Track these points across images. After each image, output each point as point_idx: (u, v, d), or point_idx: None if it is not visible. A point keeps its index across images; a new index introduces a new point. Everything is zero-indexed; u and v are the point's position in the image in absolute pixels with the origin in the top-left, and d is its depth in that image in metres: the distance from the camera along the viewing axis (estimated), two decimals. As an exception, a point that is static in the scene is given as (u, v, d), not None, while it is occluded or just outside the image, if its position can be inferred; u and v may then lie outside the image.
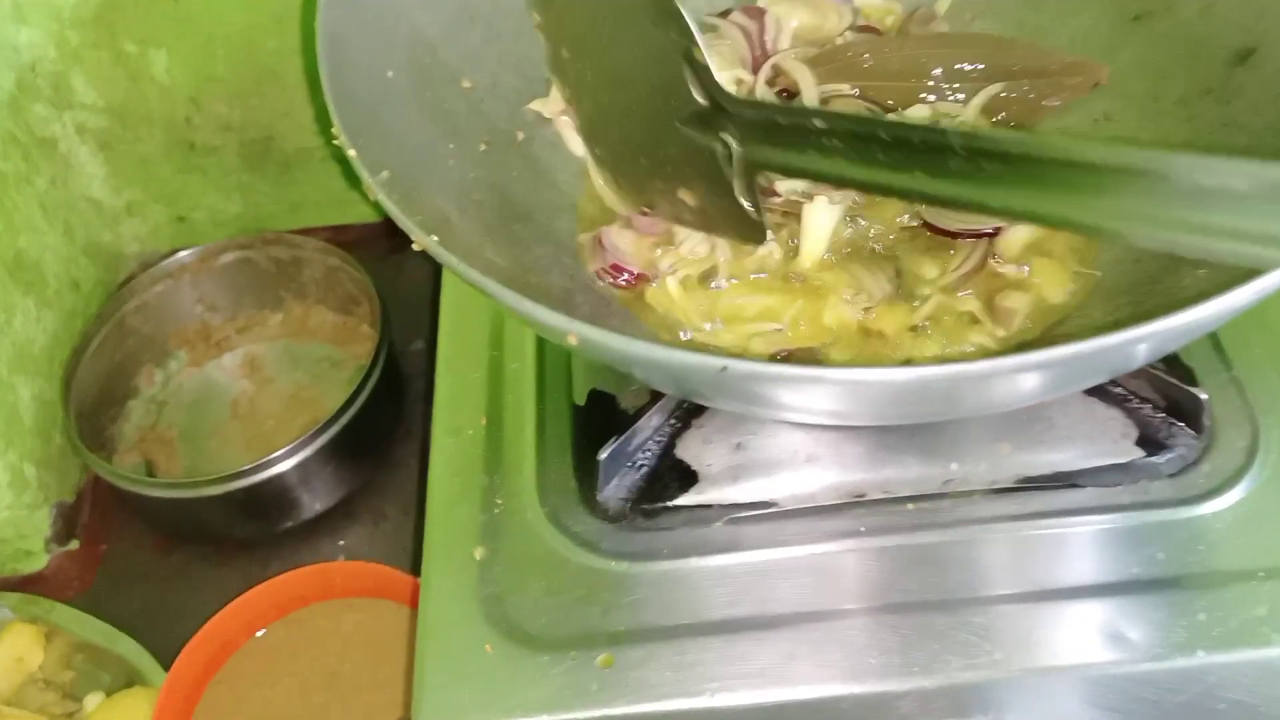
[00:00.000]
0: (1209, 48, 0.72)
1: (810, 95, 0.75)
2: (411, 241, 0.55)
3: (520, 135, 0.76)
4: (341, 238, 1.17)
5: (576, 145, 0.76)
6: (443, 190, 0.66)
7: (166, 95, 1.07)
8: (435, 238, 0.54)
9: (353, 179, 0.76)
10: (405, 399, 1.08)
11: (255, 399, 1.09)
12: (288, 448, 0.95)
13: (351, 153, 0.57)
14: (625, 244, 0.73)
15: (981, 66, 0.77)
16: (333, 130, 0.58)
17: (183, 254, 1.09)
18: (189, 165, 1.13)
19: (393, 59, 0.68)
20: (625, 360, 0.52)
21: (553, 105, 0.77)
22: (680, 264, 0.71)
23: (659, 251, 0.72)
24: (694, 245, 0.72)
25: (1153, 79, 0.74)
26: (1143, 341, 0.48)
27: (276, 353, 1.12)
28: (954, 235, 0.69)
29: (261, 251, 1.10)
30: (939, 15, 0.82)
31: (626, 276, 0.71)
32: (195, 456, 1.06)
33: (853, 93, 0.78)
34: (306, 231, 1.17)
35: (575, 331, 0.50)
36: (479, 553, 0.67)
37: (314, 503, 1.00)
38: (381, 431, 1.05)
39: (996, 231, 0.68)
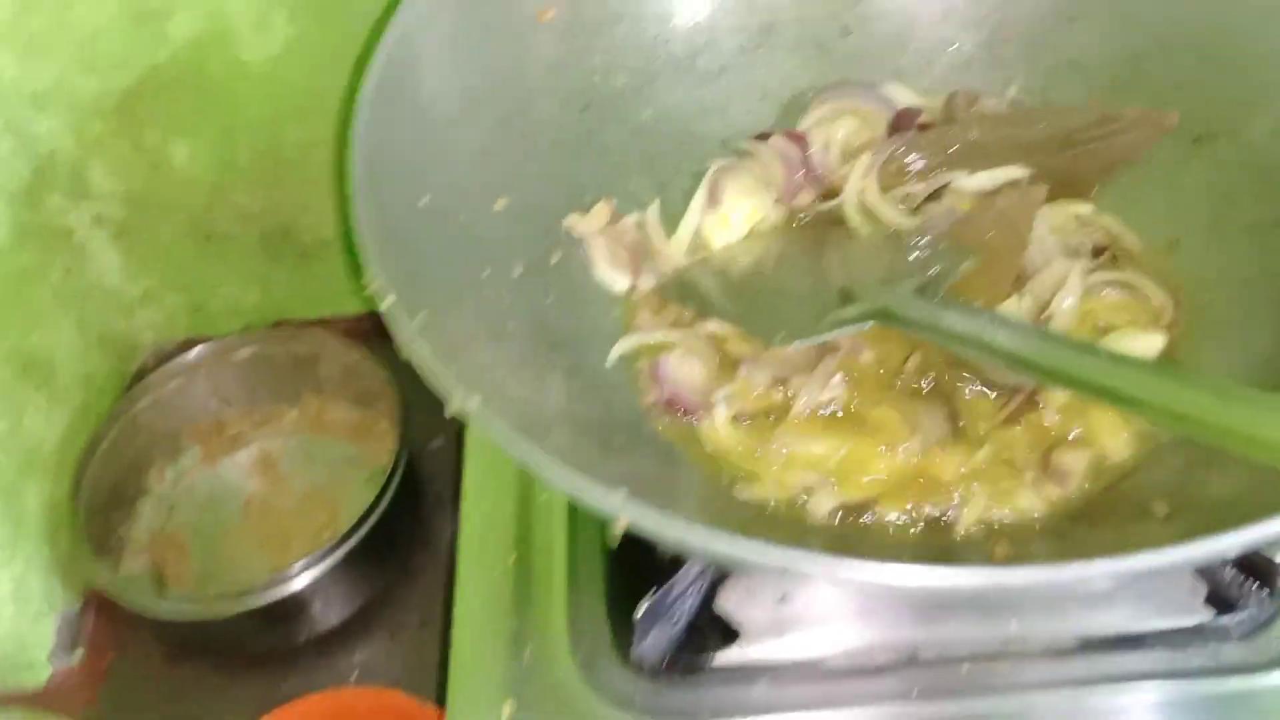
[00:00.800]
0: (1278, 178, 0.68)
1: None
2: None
3: (556, 256, 0.72)
4: (360, 327, 1.14)
5: (604, 271, 0.73)
6: (479, 325, 0.63)
7: (187, 184, 1.04)
8: (478, 398, 0.50)
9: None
10: (424, 503, 1.04)
11: (269, 498, 1.05)
12: (304, 561, 0.91)
13: (391, 298, 0.54)
14: (685, 374, 0.69)
15: (1041, 128, 0.74)
16: (364, 280, 0.55)
17: (198, 349, 1.06)
18: (207, 253, 1.10)
19: (427, 184, 0.64)
20: (677, 544, 0.48)
21: (589, 223, 0.74)
22: (736, 396, 0.68)
23: (716, 384, 0.69)
24: (754, 376, 0.68)
25: (1220, 206, 0.71)
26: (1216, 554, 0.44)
27: (292, 449, 1.09)
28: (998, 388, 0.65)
29: (279, 346, 1.07)
30: (981, 94, 0.79)
31: (683, 410, 0.68)
32: (207, 560, 1.02)
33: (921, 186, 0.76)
34: (325, 321, 1.14)
35: (625, 514, 0.47)
36: (507, 709, 0.63)
37: (330, 615, 0.96)
38: (400, 539, 1.01)
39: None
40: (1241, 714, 0.61)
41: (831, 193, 0.77)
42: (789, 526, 0.62)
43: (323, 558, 0.92)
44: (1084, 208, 0.72)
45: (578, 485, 0.47)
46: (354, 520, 0.93)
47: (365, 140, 0.60)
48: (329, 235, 1.10)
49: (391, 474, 0.95)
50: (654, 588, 0.64)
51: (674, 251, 0.76)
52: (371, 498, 0.93)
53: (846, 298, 0.66)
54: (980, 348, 0.58)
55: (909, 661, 0.64)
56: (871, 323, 0.63)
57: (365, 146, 0.60)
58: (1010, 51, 0.79)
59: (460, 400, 0.50)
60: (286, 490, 1.06)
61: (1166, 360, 0.59)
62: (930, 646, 0.64)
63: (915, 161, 0.75)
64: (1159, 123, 0.72)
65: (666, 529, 0.46)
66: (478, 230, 0.68)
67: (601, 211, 0.75)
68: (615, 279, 0.74)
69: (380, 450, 1.04)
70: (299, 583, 0.92)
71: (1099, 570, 0.44)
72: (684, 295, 0.72)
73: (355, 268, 1.10)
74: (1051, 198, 0.74)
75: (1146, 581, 0.64)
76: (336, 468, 1.08)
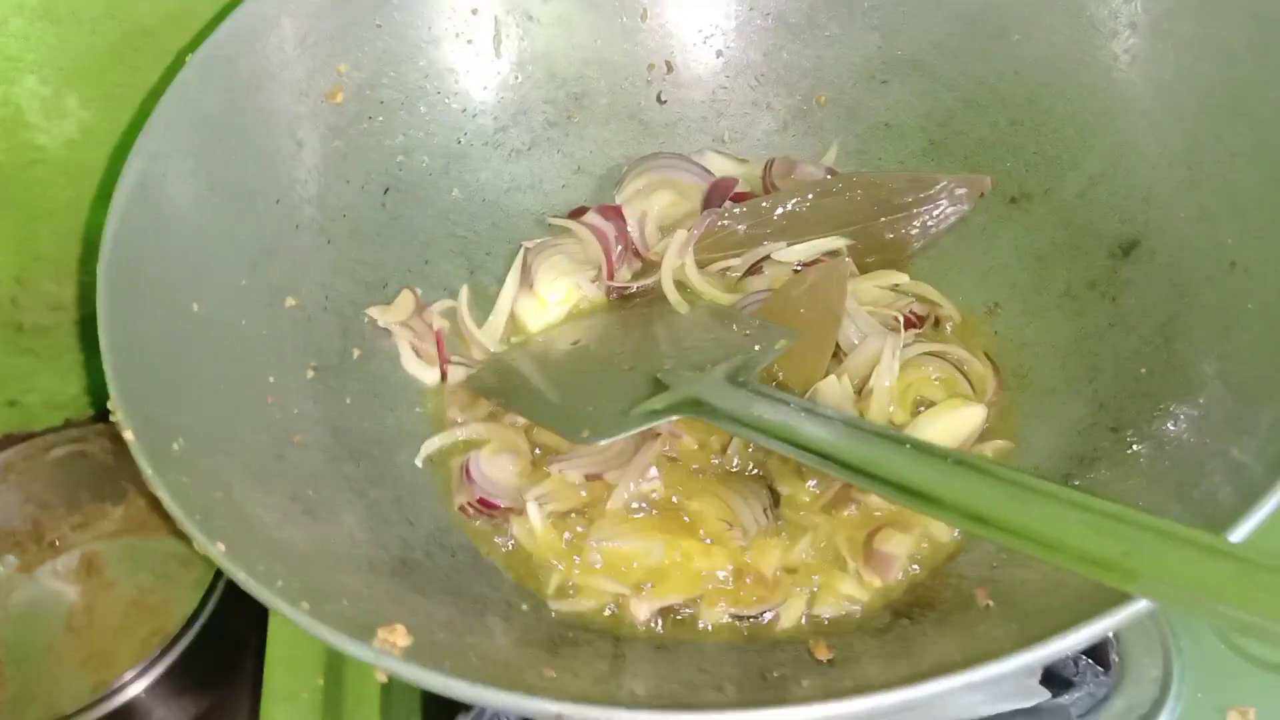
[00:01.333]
0: (1092, 237, 0.68)
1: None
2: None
3: (357, 352, 0.68)
4: (193, 415, 1.08)
5: (411, 364, 0.69)
6: (255, 441, 0.58)
7: (-13, 276, 0.98)
8: (222, 546, 0.46)
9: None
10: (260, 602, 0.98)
11: (93, 608, 0.98)
12: (127, 674, 0.85)
13: (129, 435, 0.49)
14: (496, 472, 0.66)
15: (859, 195, 0.72)
16: (109, 405, 0.50)
17: (7, 452, 0.98)
18: (18, 347, 1.03)
19: (198, 290, 0.60)
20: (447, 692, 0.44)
21: (392, 313, 0.70)
22: (550, 496, 0.64)
23: (529, 482, 0.65)
24: (568, 473, 0.65)
25: (1035, 269, 0.70)
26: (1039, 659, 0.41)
27: (117, 552, 1.02)
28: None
29: (97, 443, 1.00)
30: (798, 162, 0.77)
31: (497, 511, 0.64)
32: (24, 679, 0.95)
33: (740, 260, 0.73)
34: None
35: (386, 668, 0.42)
36: None
37: (158, 731, 0.90)
38: (233, 640, 0.95)
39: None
40: (1085, 799, 0.59)
41: (651, 267, 0.74)
42: (607, 640, 0.59)
43: (148, 668, 0.86)
44: (900, 277, 0.71)
45: (323, 634, 0.42)
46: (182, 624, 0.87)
47: (118, 255, 0.56)
48: (149, 321, 1.04)
49: (219, 573, 0.89)
50: (464, 710, 0.60)
51: (487, 338, 0.72)
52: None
53: (658, 385, 0.63)
54: (791, 443, 0.55)
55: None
56: (677, 416, 0.60)
57: (118, 261, 0.56)
58: (825, 116, 0.77)
59: (203, 546, 0.45)
60: (111, 597, 0.99)
61: (973, 454, 0.57)
62: (761, 752, 0.60)
63: (734, 234, 0.73)
64: (975, 186, 0.71)
65: (438, 686, 0.42)
66: (263, 332, 0.63)
67: (406, 300, 0.71)
68: (424, 372, 0.70)
69: (213, 547, 0.98)
70: (123, 697, 0.85)
71: (932, 690, 0.41)
72: (491, 389, 0.68)
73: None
74: (870, 267, 0.72)
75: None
76: (167, 568, 1.01)
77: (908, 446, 0.51)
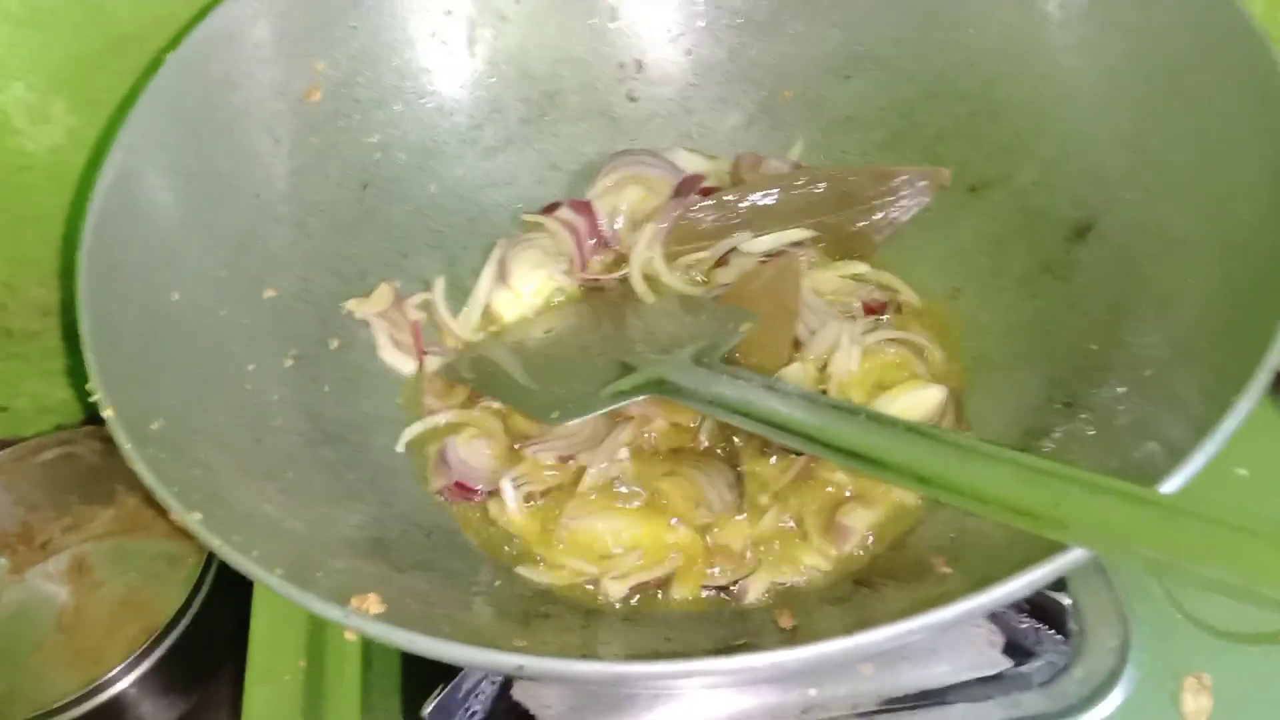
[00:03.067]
0: (1047, 221, 0.69)
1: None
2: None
3: (335, 342, 0.70)
4: (180, 418, 1.09)
5: (389, 354, 0.71)
6: (234, 424, 0.60)
7: (-24, 282, 0.99)
8: (199, 515, 0.47)
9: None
10: (248, 596, 0.99)
11: (82, 607, 0.99)
12: (115, 670, 0.86)
13: (109, 413, 0.50)
14: (472, 457, 0.67)
15: (823, 188, 0.74)
16: (88, 386, 0.52)
17: (-4, 455, 1.00)
18: (7, 352, 1.05)
19: (176, 279, 0.61)
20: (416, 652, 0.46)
21: (370, 305, 0.72)
22: (524, 478, 0.66)
23: (505, 465, 0.67)
24: (541, 455, 0.66)
25: (994, 254, 0.72)
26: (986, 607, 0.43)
27: (106, 552, 1.03)
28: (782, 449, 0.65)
29: (85, 445, 1.01)
30: (765, 157, 0.79)
31: (476, 495, 0.66)
32: (14, 678, 0.96)
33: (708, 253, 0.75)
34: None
35: (355, 627, 0.44)
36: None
37: (147, 725, 0.91)
38: (221, 637, 0.96)
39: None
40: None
41: (622, 260, 0.76)
42: (578, 614, 0.60)
43: (135, 664, 0.87)
44: (860, 266, 0.73)
45: (293, 595, 0.44)
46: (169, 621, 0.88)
47: (97, 243, 0.58)
48: (136, 325, 1.05)
49: (205, 569, 0.91)
50: (442, 684, 0.61)
51: (462, 330, 0.74)
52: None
53: (626, 369, 0.65)
54: (752, 417, 0.57)
55: (710, 739, 0.62)
56: (645, 395, 0.62)
57: (98, 249, 0.58)
58: (790, 111, 0.80)
59: (180, 515, 0.47)
60: (101, 597, 1.00)
61: (920, 422, 0.59)
62: (730, 722, 0.62)
63: (701, 226, 0.75)
64: (935, 179, 0.73)
65: (409, 643, 0.43)
66: (242, 321, 0.65)
67: (384, 293, 0.73)
68: (400, 361, 0.72)
69: (201, 545, 0.99)
70: (110, 693, 0.86)
71: (880, 636, 0.43)
72: (465, 375, 0.70)
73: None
74: (835, 256, 0.74)
75: (945, 635, 0.64)
76: (156, 568, 1.02)
77: (861, 416, 0.53)
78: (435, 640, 0.43)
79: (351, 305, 0.71)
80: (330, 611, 0.44)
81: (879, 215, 0.74)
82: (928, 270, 0.73)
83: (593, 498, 0.65)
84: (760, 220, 0.75)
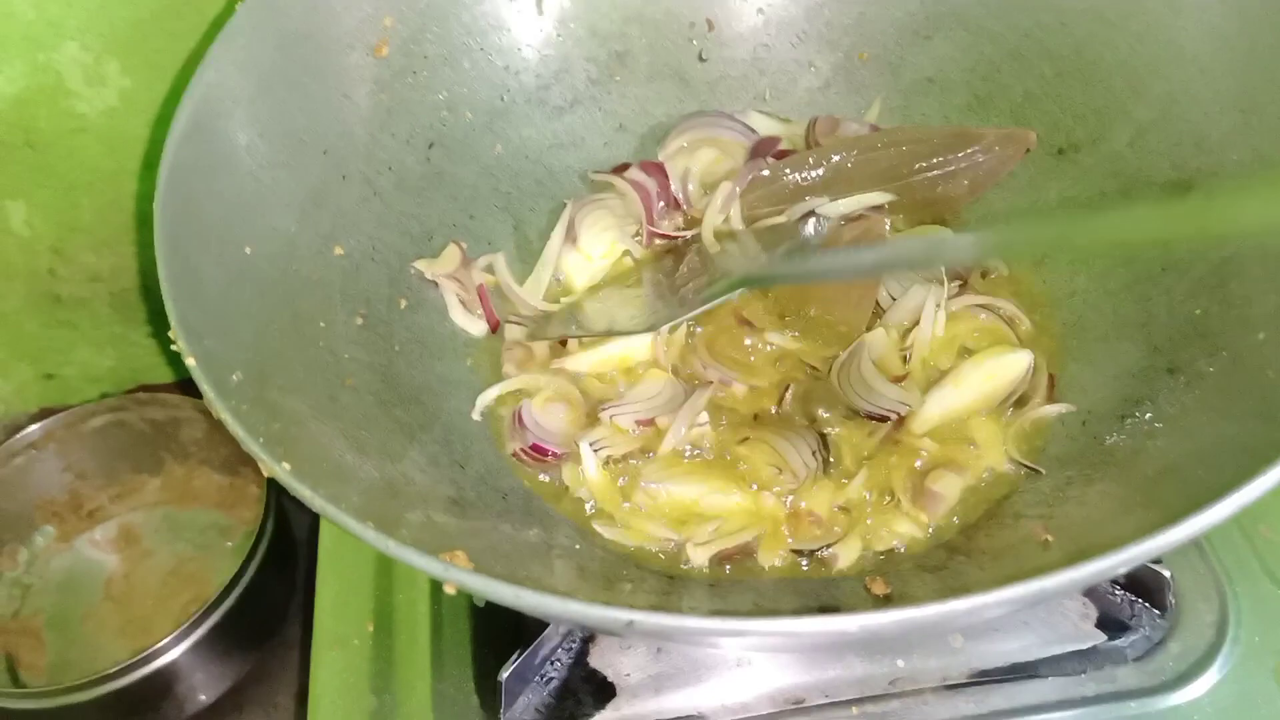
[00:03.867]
0: (1142, 184, 0.67)
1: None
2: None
3: (404, 303, 0.68)
4: (228, 388, 1.08)
5: (459, 316, 0.69)
6: (309, 381, 0.58)
7: (27, 248, 0.98)
8: (288, 465, 0.46)
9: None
10: (298, 567, 0.98)
11: (131, 576, 0.98)
12: (166, 639, 0.85)
13: (191, 361, 0.49)
14: (549, 420, 0.66)
15: (903, 150, 0.72)
16: (170, 334, 0.50)
17: (46, 421, 0.99)
18: (55, 319, 1.04)
19: (251, 233, 0.60)
20: (520, 608, 0.44)
21: (439, 267, 0.70)
22: (604, 440, 0.64)
23: (580, 429, 0.65)
24: (620, 419, 0.65)
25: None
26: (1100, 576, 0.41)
27: (155, 522, 1.02)
28: (866, 416, 0.63)
29: (135, 412, 1.01)
30: (841, 119, 0.77)
31: (550, 457, 0.64)
32: (64, 646, 0.95)
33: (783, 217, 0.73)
34: (188, 383, 1.07)
35: (456, 581, 0.42)
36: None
37: (198, 695, 0.90)
38: (272, 608, 0.95)
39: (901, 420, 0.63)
40: (1139, 740, 0.58)
41: (693, 224, 0.74)
42: (660, 579, 0.59)
43: (187, 633, 0.86)
44: (944, 232, 0.70)
45: (391, 548, 0.42)
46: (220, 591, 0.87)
47: (172, 191, 0.56)
48: (186, 293, 1.04)
49: (258, 539, 0.90)
50: (520, 649, 0.60)
51: (531, 292, 0.72)
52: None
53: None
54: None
55: (795, 709, 0.60)
56: (742, 290, 0.61)
57: (173, 198, 0.56)
58: (868, 72, 0.77)
59: (268, 466, 0.45)
60: (150, 566, 1.00)
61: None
62: (817, 691, 0.60)
63: (777, 188, 0.73)
64: (1020, 141, 0.71)
65: (504, 595, 0.42)
66: (313, 278, 0.64)
67: (452, 254, 0.71)
68: (471, 324, 0.70)
69: (250, 517, 0.98)
70: (161, 662, 0.85)
71: (980, 603, 0.41)
72: (551, 331, 0.68)
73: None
74: (914, 221, 0.72)
75: (1037, 609, 0.62)
76: (205, 538, 1.01)
77: None
78: (541, 595, 0.41)
79: (421, 265, 0.70)
80: (431, 565, 0.42)
81: (962, 179, 0.71)
82: (1013, 235, 0.71)
83: (672, 462, 0.63)
84: (838, 183, 0.73)
